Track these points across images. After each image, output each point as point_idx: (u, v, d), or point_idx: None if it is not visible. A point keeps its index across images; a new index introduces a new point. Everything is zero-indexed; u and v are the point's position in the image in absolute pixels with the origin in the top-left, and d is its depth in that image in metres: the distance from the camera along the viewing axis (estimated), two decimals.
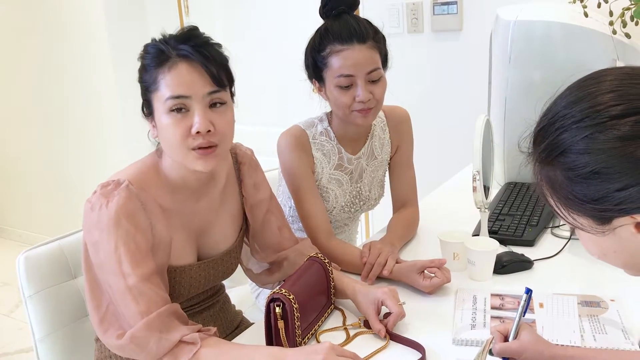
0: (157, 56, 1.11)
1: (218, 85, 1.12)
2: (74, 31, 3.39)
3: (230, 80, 1.17)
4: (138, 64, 1.17)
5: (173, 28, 1.18)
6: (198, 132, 1.10)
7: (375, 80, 1.44)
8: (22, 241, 4.13)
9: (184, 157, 1.13)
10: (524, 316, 1.00)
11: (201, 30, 1.17)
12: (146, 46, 1.15)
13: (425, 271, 1.32)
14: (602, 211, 0.72)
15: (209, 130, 1.10)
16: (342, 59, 1.41)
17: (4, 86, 3.91)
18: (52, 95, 3.63)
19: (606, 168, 0.69)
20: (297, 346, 1.13)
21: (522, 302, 0.99)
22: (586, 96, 0.73)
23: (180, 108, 1.10)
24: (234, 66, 1.19)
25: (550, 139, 0.74)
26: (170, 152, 1.15)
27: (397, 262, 1.38)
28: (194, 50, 1.10)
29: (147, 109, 1.16)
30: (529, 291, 1.00)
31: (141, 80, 1.15)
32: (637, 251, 0.75)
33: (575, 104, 0.73)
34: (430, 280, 1.30)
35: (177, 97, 1.09)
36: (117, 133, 3.39)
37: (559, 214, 0.78)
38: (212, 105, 1.12)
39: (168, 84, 1.09)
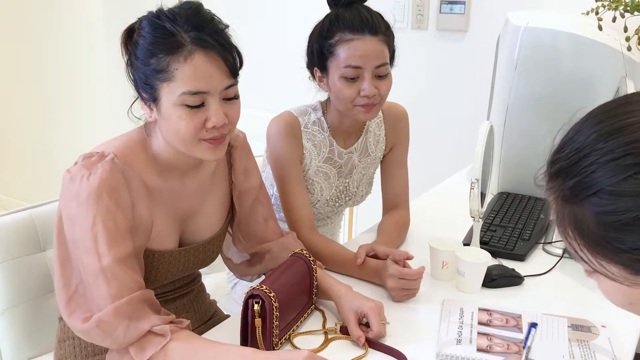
0: (166, 39, 1.02)
1: (234, 77, 1.06)
2: None
3: (242, 66, 1.10)
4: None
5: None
6: (214, 127, 1.04)
7: (382, 75, 1.38)
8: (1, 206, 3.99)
9: (193, 147, 1.07)
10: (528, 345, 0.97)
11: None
12: (145, 21, 1.05)
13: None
14: None
15: (224, 123, 1.05)
16: (352, 49, 1.35)
17: None
18: (38, 57, 3.52)
19: None
20: (273, 346, 1.07)
21: (528, 337, 0.96)
22: (624, 128, 0.62)
23: (195, 103, 1.03)
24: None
25: (580, 176, 0.64)
26: (176, 142, 1.07)
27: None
28: (211, 39, 1.02)
29: (148, 93, 1.06)
30: (535, 325, 0.96)
31: (138, 59, 1.05)
32: None
33: (610, 136, 0.62)
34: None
35: (196, 93, 1.02)
36: (102, 102, 3.30)
37: (583, 259, 0.68)
38: (226, 97, 1.07)
39: (185, 77, 1.01)
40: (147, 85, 1.05)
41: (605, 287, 0.70)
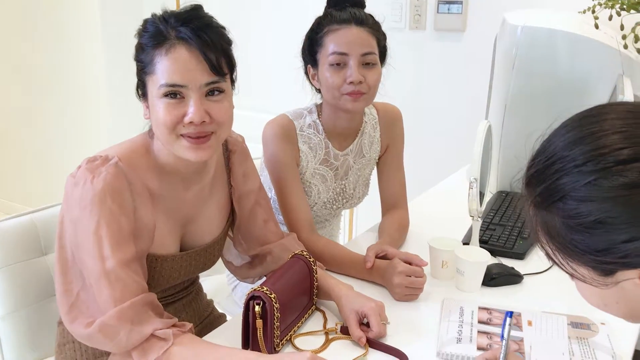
0: (155, 36, 1.04)
1: (217, 74, 1.05)
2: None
3: (231, 67, 1.10)
4: (128, 35, 1.10)
5: (171, 3, 1.10)
6: (191, 122, 1.03)
7: (369, 64, 1.40)
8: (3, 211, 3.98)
9: (174, 144, 1.06)
10: (505, 338, 0.96)
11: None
12: (145, 22, 1.07)
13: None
14: (606, 263, 0.66)
15: (204, 121, 1.04)
16: (338, 37, 1.39)
17: None
18: (38, 63, 3.52)
19: (611, 218, 0.63)
20: (274, 347, 1.07)
21: (504, 327, 0.95)
22: (587, 136, 0.66)
23: (175, 94, 1.03)
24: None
25: (547, 183, 0.67)
26: (160, 137, 1.08)
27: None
28: (193, 34, 1.02)
29: (141, 89, 1.09)
30: (510, 314, 0.96)
31: (137, 59, 1.07)
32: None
33: (575, 145, 0.66)
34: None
35: (172, 85, 1.03)
36: (103, 105, 3.30)
37: (556, 263, 0.71)
38: (209, 93, 1.06)
39: (164, 69, 1.02)
40: (140, 82, 1.08)
41: (581, 289, 0.74)
